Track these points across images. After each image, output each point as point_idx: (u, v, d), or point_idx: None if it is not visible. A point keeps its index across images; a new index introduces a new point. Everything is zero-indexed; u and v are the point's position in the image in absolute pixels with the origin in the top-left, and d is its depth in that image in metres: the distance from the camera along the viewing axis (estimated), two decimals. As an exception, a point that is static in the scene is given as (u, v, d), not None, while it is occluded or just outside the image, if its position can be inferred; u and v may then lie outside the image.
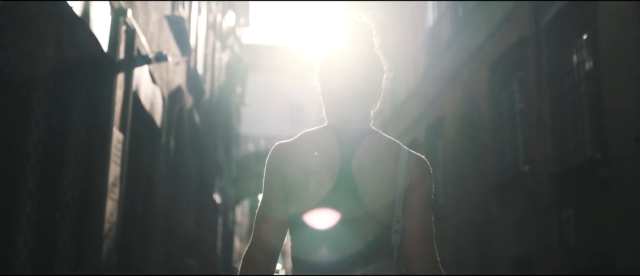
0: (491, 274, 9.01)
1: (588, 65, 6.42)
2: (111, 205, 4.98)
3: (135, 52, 5.50)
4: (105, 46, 4.64)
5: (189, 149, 10.26)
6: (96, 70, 4.77)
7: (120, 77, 5.12)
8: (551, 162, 6.97)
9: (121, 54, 5.07)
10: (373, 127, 1.68)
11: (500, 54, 8.82)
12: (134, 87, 5.63)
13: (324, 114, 1.69)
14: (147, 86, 6.34)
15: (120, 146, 5.17)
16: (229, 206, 22.22)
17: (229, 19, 17.37)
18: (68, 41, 4.29)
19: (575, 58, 6.77)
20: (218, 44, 14.39)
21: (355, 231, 1.53)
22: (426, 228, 1.61)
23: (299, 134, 1.66)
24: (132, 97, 5.51)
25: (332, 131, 1.62)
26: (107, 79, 4.80)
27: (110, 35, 4.76)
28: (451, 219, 10.82)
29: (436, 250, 1.62)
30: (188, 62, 9.52)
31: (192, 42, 9.64)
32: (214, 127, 14.21)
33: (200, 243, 12.15)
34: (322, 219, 1.54)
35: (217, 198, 17.82)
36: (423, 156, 1.67)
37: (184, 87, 9.16)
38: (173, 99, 8.10)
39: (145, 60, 5.98)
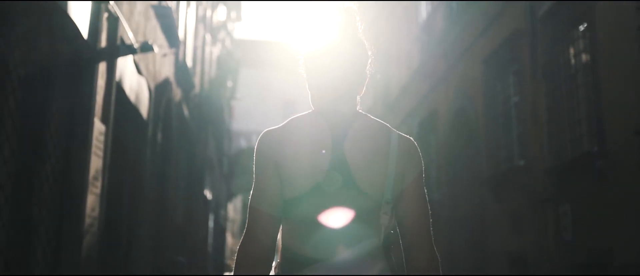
0: (486, 271, 8.88)
1: (585, 56, 6.27)
2: (92, 199, 4.79)
3: (119, 41, 5.30)
4: (85, 34, 4.44)
5: (178, 144, 10.06)
6: (76, 58, 4.57)
7: (102, 67, 4.92)
8: (547, 156, 6.82)
9: (103, 42, 4.87)
10: (360, 111, 1.68)
11: (494, 47, 8.67)
12: (117, 78, 5.43)
13: (310, 100, 1.70)
14: (132, 77, 6.14)
15: (102, 138, 4.97)
16: (220, 203, 22.02)
17: (220, 13, 17.15)
18: (45, 28, 4.09)
19: (571, 50, 6.62)
20: (208, 38, 14.18)
21: (348, 212, 1.53)
22: (423, 208, 1.63)
23: (286, 120, 1.65)
24: (115, 88, 5.31)
25: (320, 116, 1.63)
26: (88, 68, 4.60)
27: (91, 23, 4.56)
28: (445, 215, 10.68)
29: (431, 231, 1.64)
30: (176, 55, 9.31)
31: (180, 34, 9.43)
32: (205, 122, 14.00)
33: (190, 239, 11.95)
34: (317, 202, 1.54)
35: (208, 194, 17.61)
36: (412, 138, 1.68)
37: (172, 79, 8.96)
38: (160, 91, 7.90)
39: (129, 50, 5.78)
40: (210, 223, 19.15)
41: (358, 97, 1.69)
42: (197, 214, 14.02)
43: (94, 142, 4.73)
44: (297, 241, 1.58)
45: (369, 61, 1.70)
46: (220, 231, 22.66)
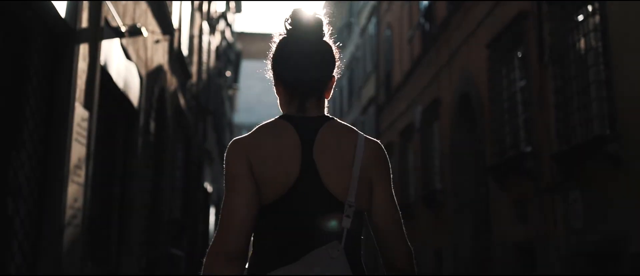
0: (491, 261, 8.60)
1: (595, 36, 5.96)
2: (75, 189, 4.51)
3: (102, 23, 5.02)
4: (62, 12, 4.16)
5: (174, 134, 9.78)
6: (52, 38, 4.28)
7: (83, 48, 4.64)
8: (555, 141, 6.53)
9: (83, 23, 4.58)
10: (328, 115, 1.70)
11: (499, 30, 8.37)
12: (101, 62, 5.15)
13: (278, 104, 1.73)
14: (119, 62, 5.86)
15: (85, 124, 4.70)
16: (221, 195, 21.78)
17: (219, 4, 16.85)
18: (19, 4, 3.81)
19: (581, 29, 6.30)
20: (206, 27, 13.88)
21: (318, 216, 1.55)
22: (392, 208, 1.65)
23: (255, 128, 1.66)
24: (99, 72, 5.02)
25: (289, 120, 1.64)
26: (66, 49, 4.31)
27: (69, 1, 4.28)
28: (448, 204, 10.41)
29: (404, 229, 1.67)
30: (171, 42, 9.02)
31: (174, 21, 9.14)
32: (203, 113, 13.72)
33: (188, 232, 11.70)
34: (286, 207, 1.55)
35: (209, 186, 17.36)
36: (378, 141, 1.69)
37: (166, 67, 8.67)
38: (152, 79, 7.61)
39: (115, 32, 5.50)
40: (212, 216, 18.91)
41: (325, 101, 1.72)
42: (197, 207, 13.76)
43: (76, 128, 4.46)
44: (264, 245, 1.58)
45: (337, 64, 1.72)
46: (222, 225, 22.40)
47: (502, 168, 8.03)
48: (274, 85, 1.73)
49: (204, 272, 1.54)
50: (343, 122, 1.69)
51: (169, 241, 9.40)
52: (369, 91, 18.74)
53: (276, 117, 1.69)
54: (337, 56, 1.73)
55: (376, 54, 17.79)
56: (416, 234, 12.32)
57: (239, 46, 30.69)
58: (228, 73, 18.28)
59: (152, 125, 7.67)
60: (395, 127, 14.89)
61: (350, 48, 22.46)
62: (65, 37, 4.34)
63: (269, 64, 1.73)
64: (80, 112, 4.57)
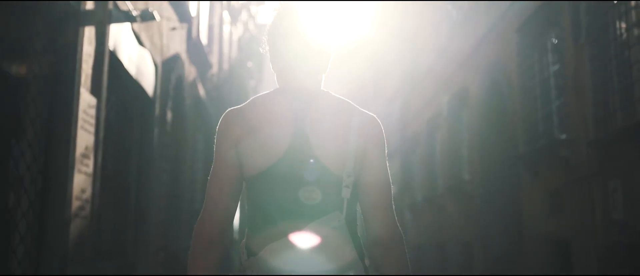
0: (524, 256, 8.22)
1: (637, 13, 5.54)
2: (82, 180, 4.28)
3: (111, 6, 4.77)
4: (66, -8, 3.93)
5: (194, 124, 9.57)
6: (55, 20, 4.05)
7: (89, 31, 4.40)
8: (592, 127, 6.12)
9: (89, 5, 4.34)
10: (324, 89, 1.70)
11: (530, 12, 7.94)
12: (111, 46, 4.91)
13: (276, 78, 1.73)
14: (131, 48, 5.63)
15: (92, 111, 4.46)
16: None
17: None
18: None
19: (622, 7, 5.88)
20: (227, 17, 13.64)
21: (312, 186, 1.55)
22: (383, 184, 1.63)
23: (249, 99, 1.69)
24: (108, 57, 4.78)
25: (284, 93, 1.66)
26: (70, 31, 4.08)
27: (73, -19, 4.04)
28: (477, 196, 10.02)
29: (393, 206, 1.64)
30: (189, 30, 8.79)
31: (192, 9, 8.91)
32: (224, 104, 13.51)
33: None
34: (279, 178, 1.55)
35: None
36: (375, 116, 1.69)
37: (184, 56, 8.44)
38: (169, 67, 7.38)
39: (125, 16, 5.25)
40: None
41: (323, 76, 1.71)
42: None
43: (82, 115, 4.22)
44: (261, 217, 1.58)
45: (332, 49, 1.73)
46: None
47: (534, 157, 7.64)
48: (270, 60, 1.74)
49: (191, 252, 1.62)
50: (339, 96, 1.69)
51: (189, 233, 9.21)
52: (393, 80, 18.36)
53: (271, 90, 1.70)
54: (331, 46, 1.74)
55: (401, 43, 17.39)
56: (444, 226, 11.96)
57: (262, 37, 30.39)
58: (250, 64, 18.06)
59: (169, 115, 7.45)
60: (421, 116, 14.51)
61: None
62: (69, 18, 4.10)
63: (265, 38, 1.74)
64: (86, 99, 4.34)
